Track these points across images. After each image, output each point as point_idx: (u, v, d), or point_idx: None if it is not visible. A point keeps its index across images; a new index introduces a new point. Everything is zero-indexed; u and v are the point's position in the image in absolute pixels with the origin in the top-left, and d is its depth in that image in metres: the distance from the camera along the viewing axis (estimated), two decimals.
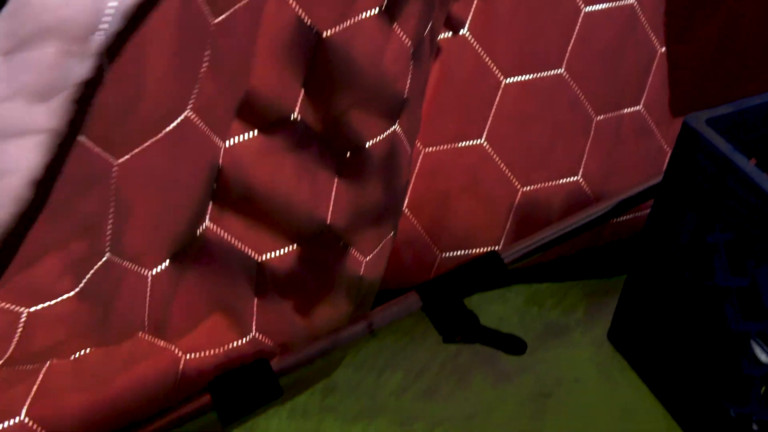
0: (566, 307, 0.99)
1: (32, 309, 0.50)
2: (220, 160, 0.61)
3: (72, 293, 0.51)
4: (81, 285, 0.51)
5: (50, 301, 0.50)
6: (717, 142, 0.68)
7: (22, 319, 0.50)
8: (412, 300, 0.73)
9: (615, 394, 0.89)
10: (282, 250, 0.71)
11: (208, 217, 0.64)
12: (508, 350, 0.71)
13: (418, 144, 0.85)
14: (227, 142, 0.61)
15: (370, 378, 0.91)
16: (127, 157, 0.50)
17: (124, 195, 0.52)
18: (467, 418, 0.90)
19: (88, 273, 0.52)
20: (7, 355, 0.51)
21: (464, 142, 0.86)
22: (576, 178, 0.93)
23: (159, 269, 0.60)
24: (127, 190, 0.52)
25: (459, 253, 0.92)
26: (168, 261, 0.61)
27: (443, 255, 0.92)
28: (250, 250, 0.69)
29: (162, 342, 0.66)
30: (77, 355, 0.60)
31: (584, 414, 0.88)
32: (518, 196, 0.91)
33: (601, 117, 0.92)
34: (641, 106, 0.95)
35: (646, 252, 0.80)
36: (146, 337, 0.65)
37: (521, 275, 1.02)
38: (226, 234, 0.66)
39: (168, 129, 0.52)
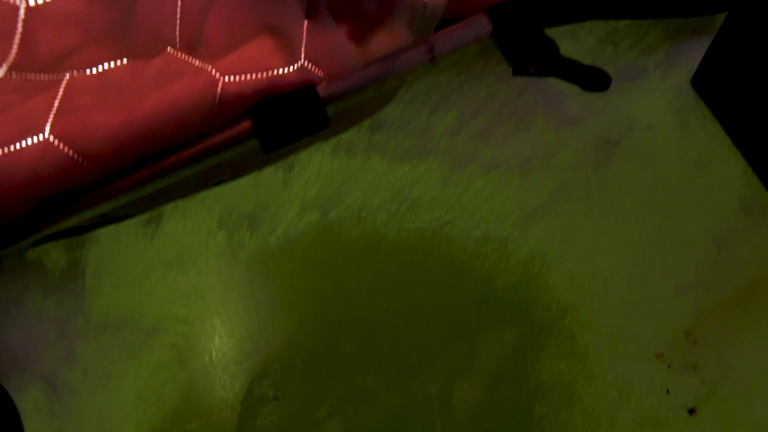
0: (645, 48, 0.88)
1: (31, 2, 0.43)
2: None
3: None
4: None
5: None
6: None
7: (21, 15, 0.44)
8: (481, 23, 0.62)
9: (690, 143, 0.82)
10: None
11: None
12: (589, 86, 0.62)
13: None
14: None
15: (421, 116, 0.84)
16: None
17: None
18: (524, 163, 0.84)
19: None
20: (11, 59, 0.44)
21: None
22: None
23: None
24: None
25: None
26: None
27: None
28: None
29: (197, 61, 0.59)
30: (99, 69, 0.53)
31: (653, 163, 0.82)
32: None
33: None
34: None
35: None
36: (179, 55, 0.57)
37: (596, 9, 0.90)
38: None
39: None
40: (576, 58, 0.88)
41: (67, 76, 0.54)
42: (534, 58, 0.61)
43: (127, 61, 0.53)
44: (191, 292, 0.85)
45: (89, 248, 0.76)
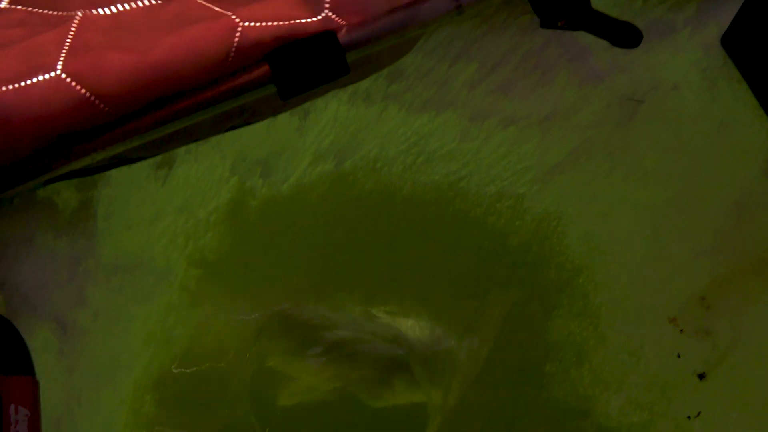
0: (675, 4, 0.84)
1: None
2: None
3: None
4: None
5: None
6: None
7: None
8: None
9: (716, 105, 0.79)
10: None
11: None
12: (619, 42, 0.60)
13: None
14: None
15: (441, 67, 0.81)
16: None
17: None
18: (544, 119, 0.81)
19: None
20: None
21: None
22: None
23: None
24: None
25: None
26: None
27: None
28: None
29: (218, 6, 0.57)
30: (113, 9, 0.54)
31: (677, 124, 0.79)
32: None
33: None
34: None
35: None
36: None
37: None
38: None
39: None
40: (605, 12, 0.85)
41: (80, 14, 0.53)
42: (564, 10, 0.59)
43: (143, 4, 0.51)
44: (202, 238, 0.84)
45: (101, 189, 0.75)
